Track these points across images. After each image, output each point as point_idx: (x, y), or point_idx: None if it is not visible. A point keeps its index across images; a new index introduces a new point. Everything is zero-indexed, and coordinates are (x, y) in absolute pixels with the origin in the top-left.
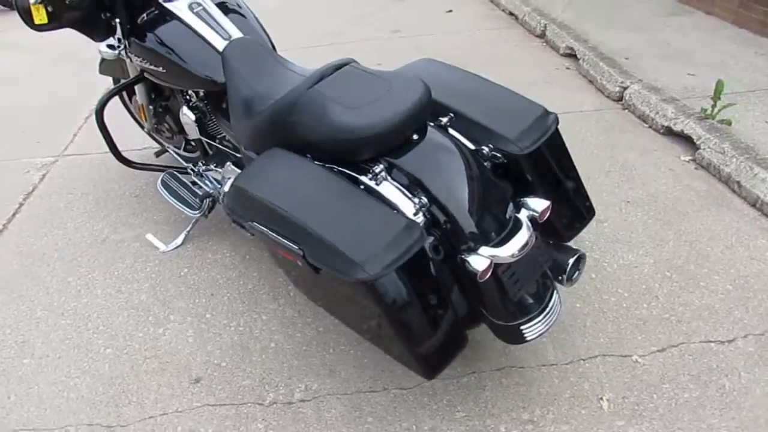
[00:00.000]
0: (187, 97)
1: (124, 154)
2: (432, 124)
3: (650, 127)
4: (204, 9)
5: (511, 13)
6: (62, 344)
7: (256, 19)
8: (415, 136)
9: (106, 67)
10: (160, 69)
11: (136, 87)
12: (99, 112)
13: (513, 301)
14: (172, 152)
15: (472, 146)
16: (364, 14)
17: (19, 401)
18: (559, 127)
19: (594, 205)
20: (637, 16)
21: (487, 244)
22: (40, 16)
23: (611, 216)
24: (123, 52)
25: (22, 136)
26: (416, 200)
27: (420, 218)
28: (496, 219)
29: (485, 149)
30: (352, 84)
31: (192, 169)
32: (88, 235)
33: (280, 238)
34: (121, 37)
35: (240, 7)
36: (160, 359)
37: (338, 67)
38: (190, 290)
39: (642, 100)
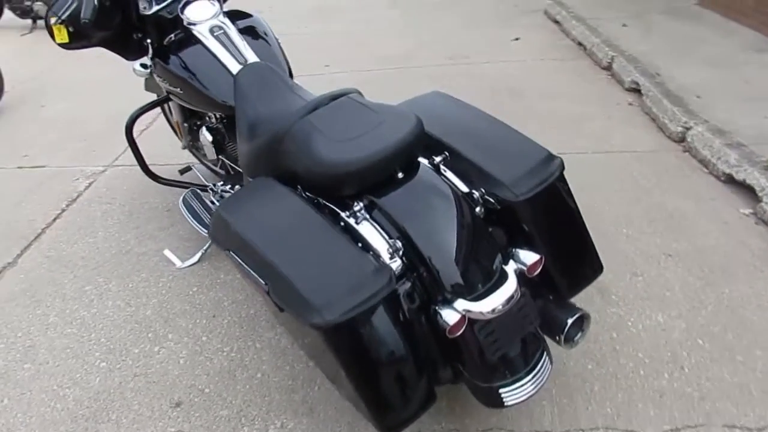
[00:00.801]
0: (207, 118)
1: (158, 169)
2: (426, 161)
3: (710, 173)
4: (224, 32)
5: (579, 44)
6: (63, 353)
7: (279, 44)
8: (400, 174)
9: (148, 84)
10: (179, 90)
11: (171, 105)
12: (128, 128)
13: (491, 360)
14: (196, 170)
15: (465, 188)
16: (432, 40)
17: (9, 405)
18: (565, 171)
19: (629, 256)
20: (718, 51)
21: (465, 297)
22: (61, 35)
23: (647, 270)
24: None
25: (83, 144)
26: (393, 243)
27: (396, 263)
28: (479, 270)
29: (476, 193)
30: (344, 116)
31: (211, 189)
32: (115, 245)
33: (249, 270)
34: (151, 56)
35: (266, 34)
36: (149, 378)
37: (335, 97)
38: (194, 309)
39: (704, 143)
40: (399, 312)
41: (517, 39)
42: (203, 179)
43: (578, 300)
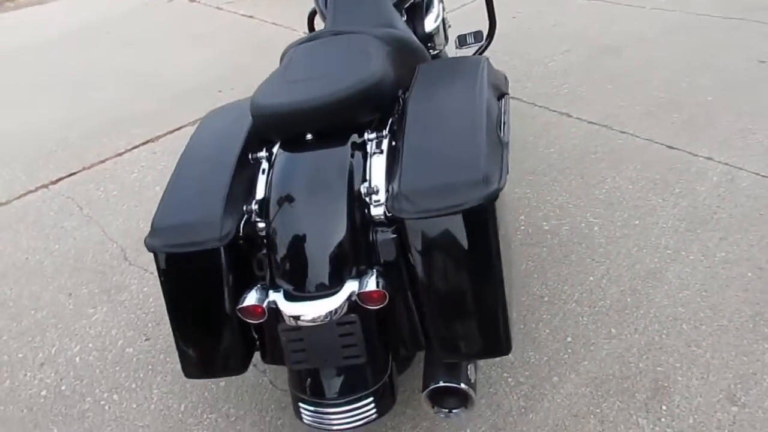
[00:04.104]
0: None
1: None
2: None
3: None
4: None
5: None
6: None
7: None
8: (309, 136)
9: None
10: None
11: None
12: None
13: (293, 367)
14: None
15: (380, 181)
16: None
17: None
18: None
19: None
20: None
21: (289, 290)
22: None
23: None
24: None
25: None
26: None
27: (262, 224)
28: (315, 272)
29: (382, 190)
30: (322, 55)
31: None
32: None
33: None
34: None
35: None
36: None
37: (337, 33)
38: None
39: None
40: (231, 270)
41: None
42: None
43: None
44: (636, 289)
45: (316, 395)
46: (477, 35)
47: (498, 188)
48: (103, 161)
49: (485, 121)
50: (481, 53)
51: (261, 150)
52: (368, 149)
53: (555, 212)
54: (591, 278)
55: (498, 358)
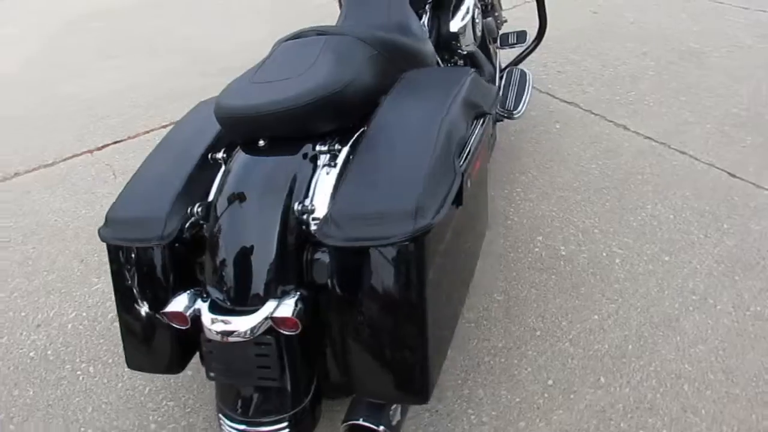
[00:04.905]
0: None
1: None
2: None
3: None
4: None
5: None
6: None
7: None
8: (261, 143)
9: None
10: None
11: None
12: None
13: (208, 378)
14: None
15: (322, 200)
16: None
17: None
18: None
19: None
20: None
21: (216, 300)
22: None
23: None
24: None
25: None
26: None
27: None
28: (240, 286)
29: (303, 208)
30: (299, 55)
31: None
32: None
33: None
34: None
35: None
36: None
37: (321, 32)
38: None
39: None
40: (171, 271)
41: None
42: None
43: None
44: (642, 336)
45: (233, 411)
46: (520, 35)
47: (429, 224)
48: (147, 132)
49: (440, 145)
50: (527, 55)
51: (220, 151)
52: (319, 162)
53: (577, 236)
54: (595, 316)
55: (467, 390)
